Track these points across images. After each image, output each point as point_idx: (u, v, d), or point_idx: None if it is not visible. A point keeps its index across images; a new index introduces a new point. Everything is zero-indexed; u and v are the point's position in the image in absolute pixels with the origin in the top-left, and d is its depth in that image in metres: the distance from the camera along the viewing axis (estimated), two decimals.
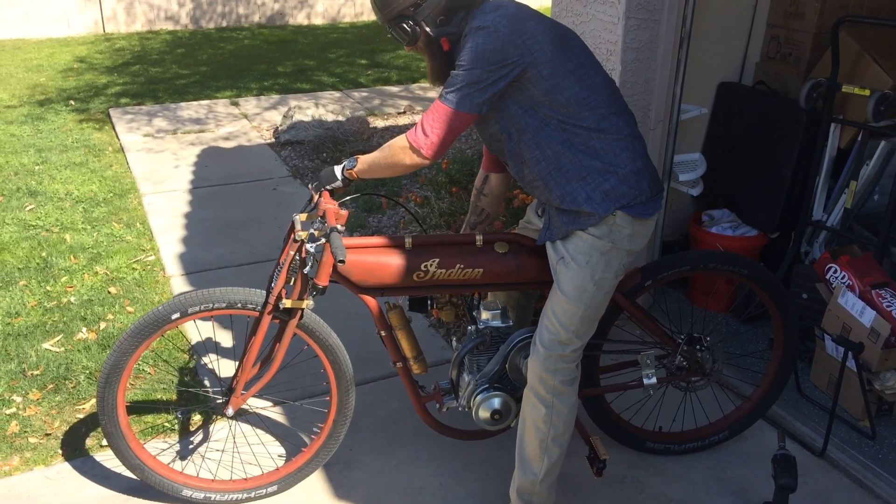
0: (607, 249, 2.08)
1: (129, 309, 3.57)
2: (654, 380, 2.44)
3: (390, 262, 2.21)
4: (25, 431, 2.76)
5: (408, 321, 2.35)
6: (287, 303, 2.19)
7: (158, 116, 6.73)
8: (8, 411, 2.86)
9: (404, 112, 7.10)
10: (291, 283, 2.21)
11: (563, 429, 2.20)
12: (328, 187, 2.24)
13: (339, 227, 2.09)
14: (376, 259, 2.21)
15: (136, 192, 5.06)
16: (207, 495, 2.40)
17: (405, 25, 2.05)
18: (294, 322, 2.24)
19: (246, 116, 6.84)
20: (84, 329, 3.40)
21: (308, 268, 2.17)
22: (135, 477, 2.44)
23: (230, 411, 2.31)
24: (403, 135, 2.05)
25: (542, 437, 2.20)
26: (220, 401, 2.35)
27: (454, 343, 2.51)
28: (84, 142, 6.02)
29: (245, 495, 2.43)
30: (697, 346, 2.49)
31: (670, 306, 3.51)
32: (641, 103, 3.11)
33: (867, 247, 3.08)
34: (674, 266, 2.41)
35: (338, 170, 2.22)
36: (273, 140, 6.19)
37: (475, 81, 1.94)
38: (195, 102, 7.22)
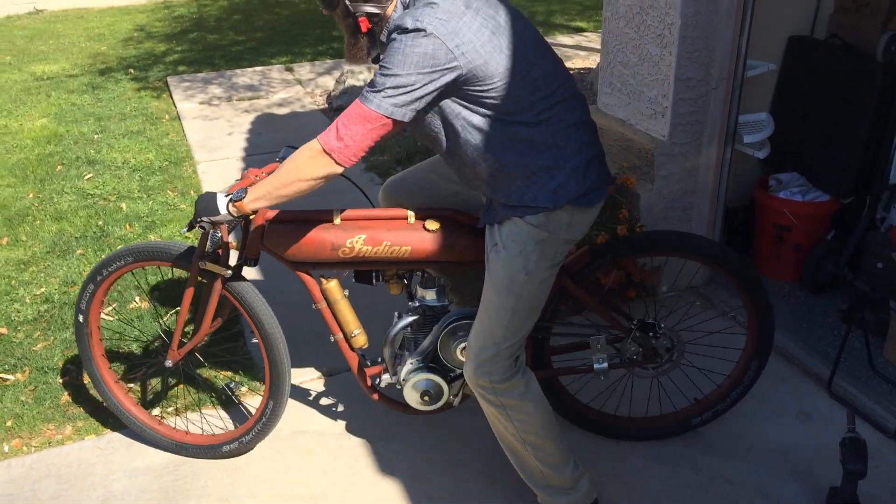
0: (542, 239, 1.94)
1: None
2: (605, 364, 2.34)
3: (315, 238, 2.14)
4: (78, 401, 2.80)
5: (345, 294, 2.27)
6: (207, 266, 2.24)
7: (213, 84, 6.76)
8: (62, 380, 2.91)
9: None
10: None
11: (528, 418, 2.08)
12: (206, 221, 2.01)
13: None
14: (302, 233, 2.14)
15: (191, 160, 5.09)
16: (131, 420, 2.57)
17: None
18: (217, 285, 2.28)
19: (300, 82, 6.81)
20: (137, 298, 3.43)
21: (230, 238, 2.18)
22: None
23: (168, 363, 2.43)
24: (309, 143, 1.83)
25: (513, 433, 2.10)
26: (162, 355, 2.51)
27: (395, 319, 2.38)
28: (142, 110, 6.08)
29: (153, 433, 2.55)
30: (650, 333, 2.36)
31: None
32: (703, 60, 2.92)
33: None
34: (623, 250, 2.31)
35: (222, 203, 1.99)
36: (326, 106, 6.14)
37: (400, 86, 1.74)
38: (250, 69, 7.22)
